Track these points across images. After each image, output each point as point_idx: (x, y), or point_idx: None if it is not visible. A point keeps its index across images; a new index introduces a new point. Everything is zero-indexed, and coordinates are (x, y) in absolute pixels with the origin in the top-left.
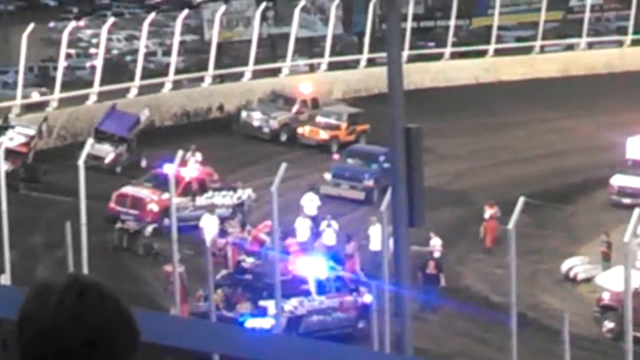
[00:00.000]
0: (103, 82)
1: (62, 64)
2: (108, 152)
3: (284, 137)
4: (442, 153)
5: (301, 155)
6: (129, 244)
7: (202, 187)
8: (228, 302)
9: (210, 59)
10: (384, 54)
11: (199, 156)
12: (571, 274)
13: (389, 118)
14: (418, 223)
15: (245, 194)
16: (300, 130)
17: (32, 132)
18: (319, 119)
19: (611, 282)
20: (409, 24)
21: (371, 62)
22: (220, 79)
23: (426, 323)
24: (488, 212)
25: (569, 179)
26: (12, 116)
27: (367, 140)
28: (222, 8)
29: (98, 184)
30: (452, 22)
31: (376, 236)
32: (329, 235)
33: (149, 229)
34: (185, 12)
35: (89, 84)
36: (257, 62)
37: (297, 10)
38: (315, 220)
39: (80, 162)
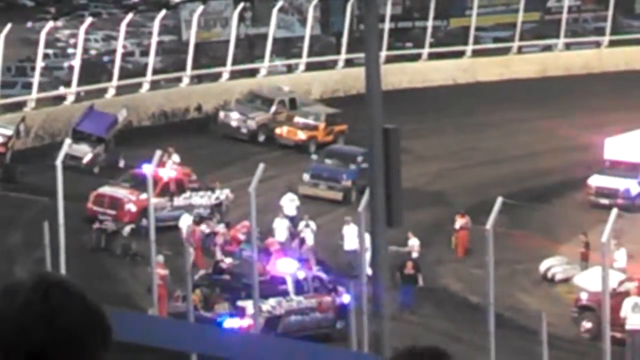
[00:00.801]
0: (81, 82)
1: (39, 64)
2: (86, 152)
3: (262, 138)
4: (420, 154)
5: (279, 156)
6: (107, 245)
7: (180, 188)
8: (206, 303)
9: (188, 60)
10: (361, 55)
11: (176, 157)
12: (549, 274)
13: (367, 118)
14: (396, 223)
15: (223, 194)
16: (278, 130)
17: (9, 132)
18: (297, 119)
19: (589, 282)
20: (387, 25)
21: (349, 63)
22: (198, 80)
23: (404, 323)
24: (459, 222)
25: (546, 179)
26: None
27: (345, 141)
28: (200, 8)
29: (76, 184)
30: (430, 23)
31: (351, 236)
32: (308, 236)
33: (127, 230)
34: (163, 12)
35: (67, 84)
36: (234, 62)
37: (274, 11)
38: (294, 221)
39: (58, 162)
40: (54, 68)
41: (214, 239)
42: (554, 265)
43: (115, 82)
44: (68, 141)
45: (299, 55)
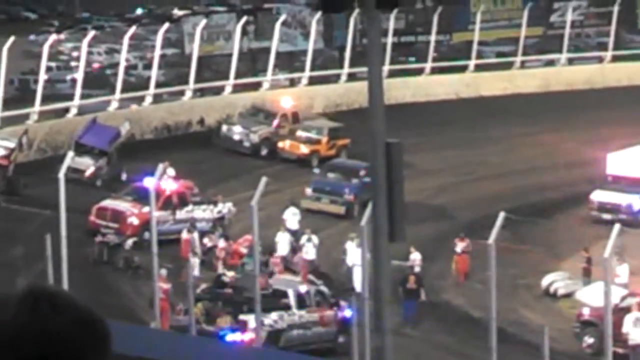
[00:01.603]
0: (83, 95)
1: (42, 77)
2: (88, 165)
3: (264, 151)
4: (422, 168)
5: (282, 170)
6: (109, 258)
7: (183, 201)
8: (208, 316)
9: (191, 73)
10: (364, 69)
11: (171, 171)
12: (551, 289)
13: (370, 133)
14: (399, 238)
15: (226, 207)
16: (280, 144)
17: (12, 145)
18: (300, 133)
19: (591, 297)
20: (390, 39)
21: (352, 77)
22: (200, 93)
23: (406, 337)
24: (459, 245)
25: (549, 194)
26: None
27: (348, 155)
28: (203, 22)
29: (78, 197)
30: (433, 37)
31: (353, 251)
32: (309, 250)
33: (129, 243)
34: (166, 25)
35: (70, 97)
36: (237, 76)
37: (277, 25)
38: (296, 235)
39: (61, 175)
40: (56, 81)
41: (216, 253)
42: (556, 280)
43: (118, 95)
44: (70, 154)
45: (302, 69)
